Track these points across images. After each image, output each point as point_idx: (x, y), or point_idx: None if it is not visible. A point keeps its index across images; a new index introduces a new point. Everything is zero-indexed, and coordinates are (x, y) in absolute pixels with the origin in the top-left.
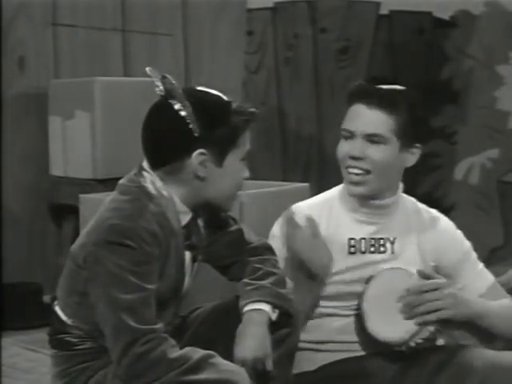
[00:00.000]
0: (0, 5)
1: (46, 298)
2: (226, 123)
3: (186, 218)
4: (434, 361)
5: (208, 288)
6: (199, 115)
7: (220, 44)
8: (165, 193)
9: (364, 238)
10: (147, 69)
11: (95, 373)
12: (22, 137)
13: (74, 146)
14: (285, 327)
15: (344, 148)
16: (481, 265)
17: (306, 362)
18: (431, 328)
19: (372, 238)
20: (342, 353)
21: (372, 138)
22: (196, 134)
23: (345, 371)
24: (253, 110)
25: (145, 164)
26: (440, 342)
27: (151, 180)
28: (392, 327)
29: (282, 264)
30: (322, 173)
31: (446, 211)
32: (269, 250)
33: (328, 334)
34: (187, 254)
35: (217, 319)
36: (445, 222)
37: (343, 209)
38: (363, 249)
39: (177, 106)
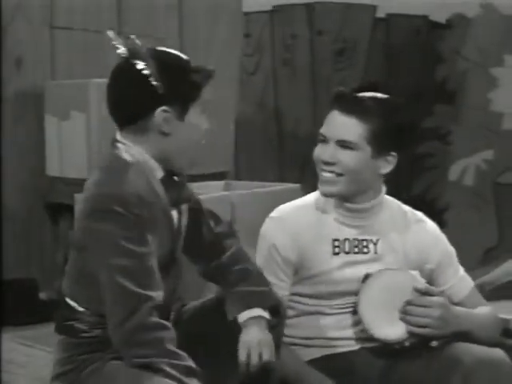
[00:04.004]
0: (0, 7)
1: (43, 295)
2: (186, 80)
3: (160, 173)
4: (423, 357)
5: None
6: (162, 73)
7: (216, 47)
8: (141, 158)
9: (348, 239)
10: (109, 32)
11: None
12: (20, 136)
13: (69, 146)
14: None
15: (318, 152)
16: (462, 270)
17: (304, 355)
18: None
19: (355, 239)
20: (329, 348)
21: (343, 144)
22: (160, 92)
23: (332, 367)
24: (210, 68)
25: (117, 136)
26: (434, 343)
27: (126, 149)
28: (390, 326)
29: (269, 265)
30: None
31: (440, 211)
32: (234, 235)
33: (315, 331)
34: (174, 213)
35: (205, 316)
36: (430, 224)
37: (327, 211)
38: (347, 249)
39: (140, 66)
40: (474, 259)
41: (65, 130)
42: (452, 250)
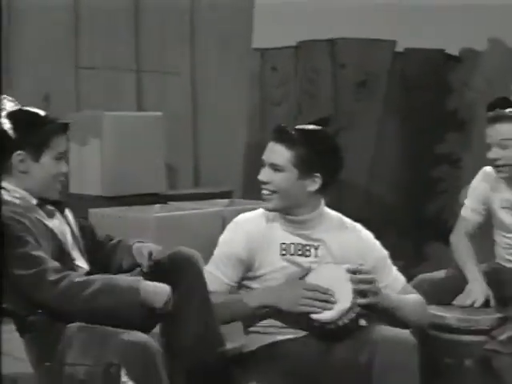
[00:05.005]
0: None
1: None
2: (36, 129)
3: (34, 200)
4: (351, 339)
5: None
6: (15, 126)
7: (225, 80)
8: (17, 194)
9: (293, 244)
10: None
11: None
12: None
13: (87, 168)
14: (186, 273)
15: (260, 174)
16: (395, 270)
17: (255, 342)
18: (355, 311)
19: (299, 244)
20: (281, 335)
21: (274, 167)
22: (12, 137)
23: (282, 350)
24: (64, 121)
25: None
26: (362, 322)
27: (6, 193)
28: (327, 310)
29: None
30: (339, 195)
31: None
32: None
33: (270, 321)
34: (54, 221)
35: None
36: (365, 233)
37: (276, 222)
38: (292, 252)
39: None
40: None
41: (84, 154)
42: (385, 253)
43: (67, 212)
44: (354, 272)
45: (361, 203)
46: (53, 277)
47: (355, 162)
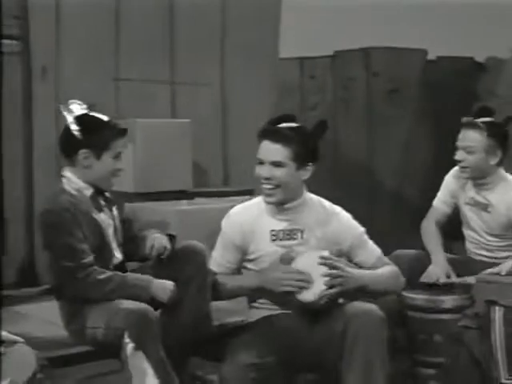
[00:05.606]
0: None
1: None
2: (100, 133)
3: (89, 192)
4: (331, 315)
5: None
6: (82, 128)
7: (252, 89)
8: (74, 185)
9: (282, 230)
10: (60, 105)
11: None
12: None
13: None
14: (190, 264)
15: (258, 171)
16: (370, 242)
17: (254, 315)
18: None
19: (287, 229)
20: (273, 310)
21: (275, 164)
22: (79, 138)
23: (275, 323)
24: (123, 127)
25: (62, 171)
26: (340, 300)
27: (66, 182)
28: (308, 291)
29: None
30: (371, 194)
31: None
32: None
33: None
34: (102, 215)
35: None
36: (344, 214)
37: (266, 210)
38: (281, 237)
39: (70, 124)
40: None
41: None
42: (361, 230)
43: (114, 209)
44: (327, 259)
45: (391, 206)
46: (82, 274)
47: (386, 166)
